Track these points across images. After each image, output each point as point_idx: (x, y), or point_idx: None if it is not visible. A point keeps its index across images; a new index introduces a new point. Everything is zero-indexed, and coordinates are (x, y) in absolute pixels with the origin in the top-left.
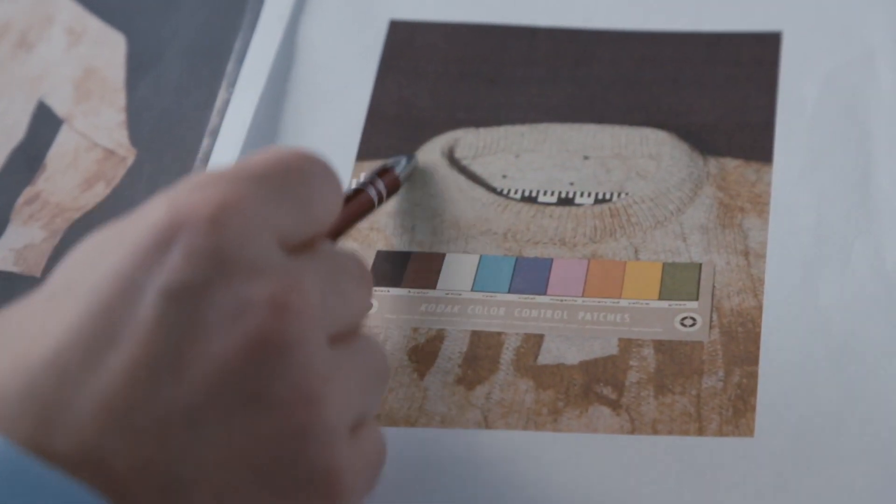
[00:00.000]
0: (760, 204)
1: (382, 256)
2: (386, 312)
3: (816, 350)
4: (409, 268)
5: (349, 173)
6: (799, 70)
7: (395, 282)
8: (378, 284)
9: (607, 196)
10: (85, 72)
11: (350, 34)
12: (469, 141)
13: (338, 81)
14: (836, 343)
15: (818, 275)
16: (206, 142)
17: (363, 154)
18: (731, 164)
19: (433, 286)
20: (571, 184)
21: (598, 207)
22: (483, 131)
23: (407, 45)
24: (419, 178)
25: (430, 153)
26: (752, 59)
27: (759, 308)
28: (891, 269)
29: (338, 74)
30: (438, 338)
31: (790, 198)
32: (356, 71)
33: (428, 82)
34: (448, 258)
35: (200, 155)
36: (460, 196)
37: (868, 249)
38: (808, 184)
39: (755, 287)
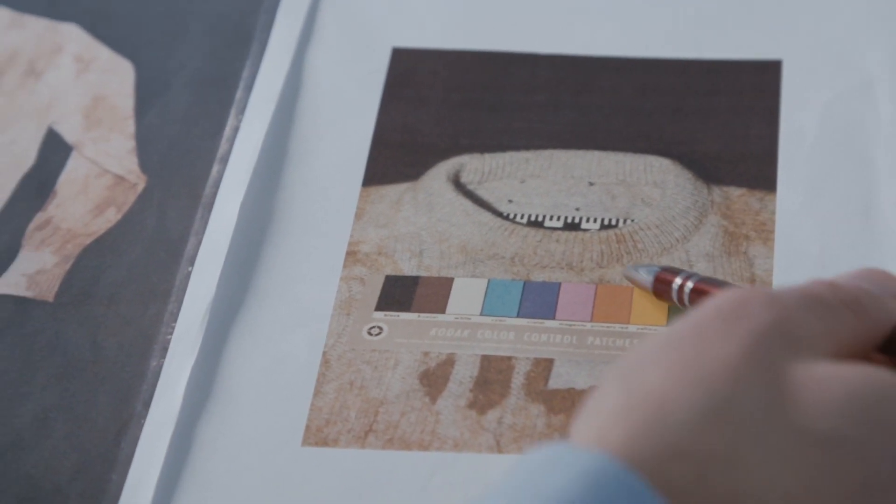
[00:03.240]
0: (765, 232)
1: (391, 281)
2: (396, 337)
3: None
4: (418, 292)
5: (356, 198)
6: (799, 98)
7: (404, 306)
8: (387, 309)
9: (613, 222)
10: (94, 100)
11: (354, 62)
12: (474, 166)
13: (343, 108)
14: None
15: None
16: (215, 168)
17: (369, 180)
18: (735, 192)
19: (443, 311)
20: (577, 209)
21: (604, 233)
22: (488, 157)
23: (410, 72)
24: (425, 202)
25: (436, 178)
26: (754, 87)
27: None
28: None
29: (343, 102)
30: (449, 362)
31: (794, 226)
32: (360, 98)
33: (431, 109)
34: (456, 283)
35: (210, 181)
36: (467, 220)
37: None
38: (812, 212)
39: None
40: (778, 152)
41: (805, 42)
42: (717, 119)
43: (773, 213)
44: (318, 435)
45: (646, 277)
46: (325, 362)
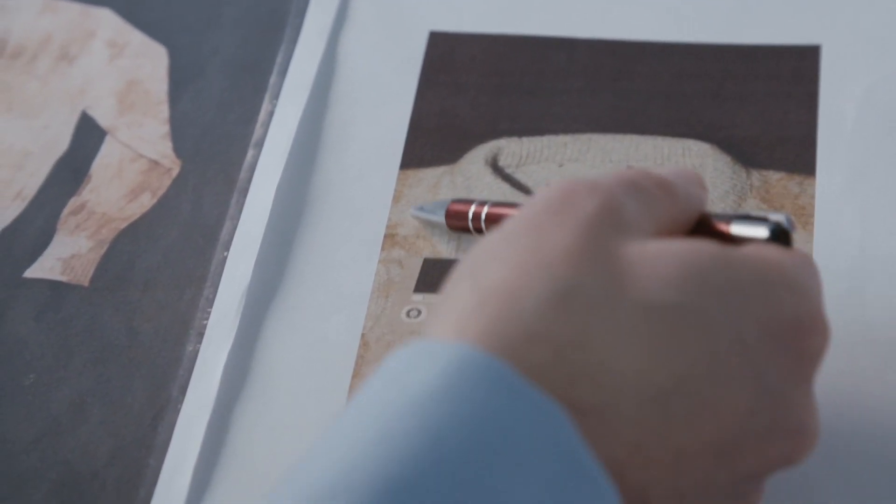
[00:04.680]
0: (805, 216)
1: (430, 264)
2: None
3: (862, 359)
4: None
5: (393, 181)
6: (839, 84)
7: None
8: (426, 291)
9: None
10: (127, 84)
11: (390, 46)
12: (512, 150)
13: (379, 92)
14: (882, 353)
15: (864, 286)
16: (250, 153)
17: (406, 163)
18: (773, 176)
19: None
20: None
21: None
22: (526, 140)
23: (447, 56)
24: (463, 186)
25: (474, 162)
26: (792, 72)
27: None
28: None
29: (379, 86)
30: None
31: (834, 210)
32: (397, 82)
33: (468, 93)
34: None
35: (245, 166)
36: None
37: None
38: (852, 196)
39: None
40: (817, 137)
41: (844, 27)
42: (755, 104)
43: (813, 197)
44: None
45: (434, 216)
46: (364, 344)
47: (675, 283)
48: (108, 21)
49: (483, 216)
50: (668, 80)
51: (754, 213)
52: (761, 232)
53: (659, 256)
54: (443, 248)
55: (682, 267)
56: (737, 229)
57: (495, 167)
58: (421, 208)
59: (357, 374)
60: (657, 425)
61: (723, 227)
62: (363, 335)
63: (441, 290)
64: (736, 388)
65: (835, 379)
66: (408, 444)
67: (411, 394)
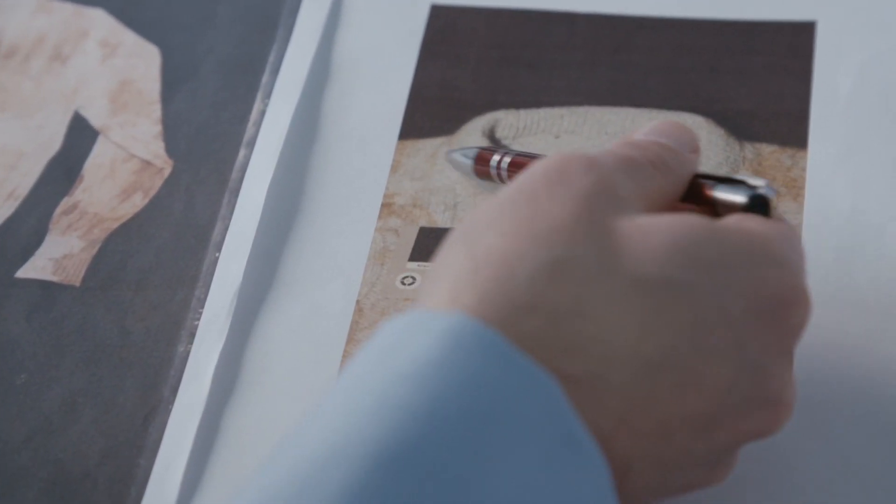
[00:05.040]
0: (796, 188)
1: (425, 233)
2: None
3: (851, 330)
4: None
5: (392, 151)
6: (833, 59)
7: None
8: (421, 259)
9: None
10: (120, 84)
11: (392, 19)
12: (509, 122)
13: (381, 64)
14: (870, 323)
15: (852, 257)
16: (242, 153)
17: (405, 134)
18: (766, 149)
19: None
20: None
21: None
22: (523, 113)
23: (448, 29)
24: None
25: (472, 133)
26: (788, 48)
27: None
28: None
29: (380, 58)
30: None
31: (825, 183)
32: (398, 54)
33: (469, 66)
34: None
35: (237, 166)
36: None
37: None
38: (843, 170)
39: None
40: (811, 111)
41: (839, 4)
42: (751, 78)
43: (804, 169)
44: None
45: (465, 161)
46: (359, 311)
47: (664, 257)
48: (101, 21)
49: (506, 164)
50: (666, 54)
51: (738, 175)
52: (741, 198)
53: (650, 231)
54: (438, 217)
55: (671, 242)
56: (719, 194)
57: (492, 138)
58: (454, 152)
59: (351, 340)
60: (644, 397)
61: (708, 192)
62: (358, 301)
63: (435, 256)
64: (719, 362)
65: (823, 349)
66: (404, 413)
67: (406, 363)
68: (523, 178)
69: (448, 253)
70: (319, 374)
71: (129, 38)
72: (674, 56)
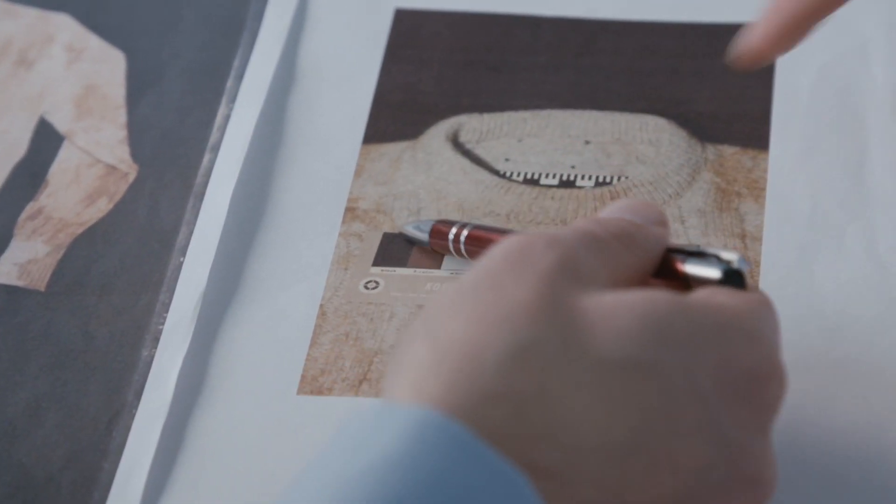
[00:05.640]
0: (757, 189)
1: (389, 238)
2: (392, 290)
3: (810, 329)
4: (415, 249)
5: (356, 156)
6: (794, 61)
7: (401, 262)
8: (385, 264)
9: (608, 179)
10: (85, 89)
11: (357, 23)
12: (473, 126)
13: (345, 69)
14: (830, 323)
15: (813, 258)
16: (207, 157)
17: (369, 138)
18: (728, 150)
19: (438, 266)
20: (573, 167)
21: (598, 190)
22: (487, 116)
23: (413, 33)
24: (424, 161)
25: (435, 137)
26: None
27: (756, 289)
28: (883, 253)
29: (345, 62)
30: None
31: (786, 184)
32: (363, 58)
33: (433, 69)
34: None
35: (202, 171)
36: (464, 179)
37: (861, 234)
38: (804, 170)
39: (751, 269)
40: (772, 112)
41: None
42: (713, 80)
43: (765, 171)
44: (313, 384)
45: (420, 233)
46: (322, 315)
47: (630, 336)
48: (66, 26)
49: (464, 238)
50: (629, 56)
51: (710, 249)
52: (714, 273)
53: (615, 309)
54: (402, 222)
55: (638, 320)
56: (690, 269)
57: (456, 143)
58: (408, 225)
59: (314, 344)
60: (615, 483)
61: (680, 267)
62: (321, 305)
63: (396, 346)
64: (693, 442)
65: (784, 350)
66: None
67: (368, 459)
68: (484, 261)
69: (410, 342)
70: (282, 379)
71: (94, 42)
72: (637, 58)
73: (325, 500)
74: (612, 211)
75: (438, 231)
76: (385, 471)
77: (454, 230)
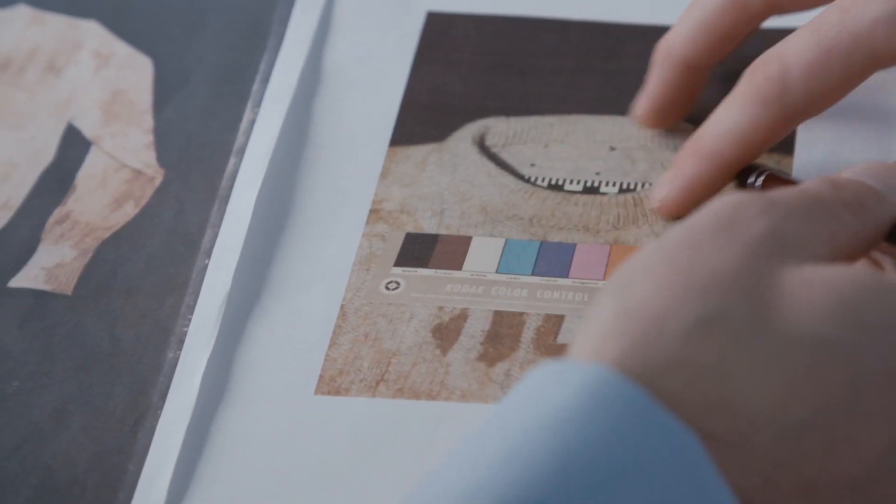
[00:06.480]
0: None
1: (411, 238)
2: (413, 291)
3: None
4: (437, 249)
5: (382, 158)
6: None
7: (422, 263)
8: (406, 265)
9: (632, 186)
10: (112, 94)
11: (386, 26)
12: (500, 129)
13: (373, 71)
14: None
15: None
16: (232, 161)
17: (396, 140)
18: None
19: (459, 268)
20: (598, 173)
21: (622, 196)
22: (514, 120)
23: (443, 36)
24: (450, 163)
25: (462, 140)
26: None
27: None
28: None
29: (373, 65)
30: (462, 316)
31: None
32: (392, 61)
33: (461, 72)
34: (475, 241)
35: (227, 174)
36: (489, 182)
37: None
38: (829, 174)
39: None
40: None
41: None
42: None
43: (790, 175)
44: (330, 384)
45: None
46: (342, 315)
47: (821, 313)
48: (94, 32)
49: (759, 183)
50: None
51: None
52: None
53: (812, 285)
54: (425, 222)
55: (832, 297)
56: None
57: (482, 146)
58: None
59: (333, 345)
60: (791, 458)
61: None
62: (342, 306)
63: (590, 304)
64: (877, 423)
65: None
66: (536, 465)
67: (542, 414)
68: (691, 221)
69: (600, 302)
70: (301, 379)
71: (121, 49)
72: None
73: (497, 454)
74: (856, 172)
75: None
76: (557, 426)
77: (752, 177)
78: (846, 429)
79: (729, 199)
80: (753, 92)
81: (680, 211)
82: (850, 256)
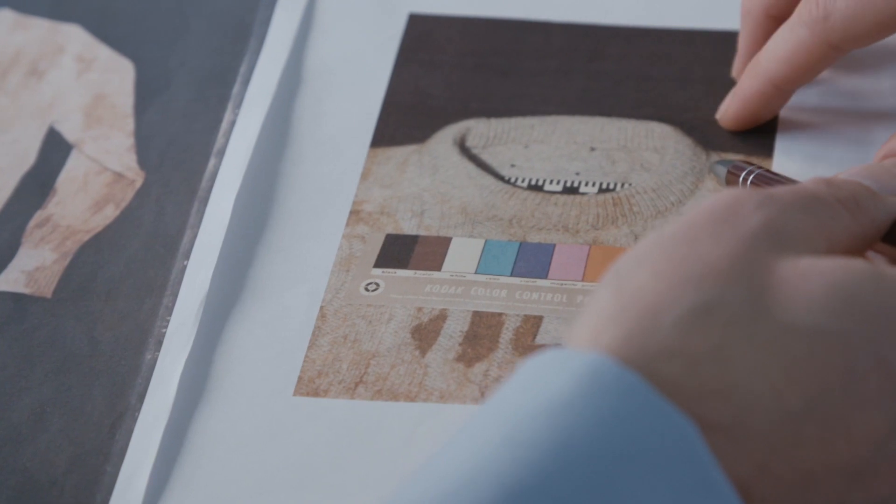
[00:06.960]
0: None
1: (391, 239)
2: (392, 293)
3: None
4: (417, 250)
5: (363, 159)
6: None
7: (402, 264)
8: (385, 266)
9: (611, 186)
10: (94, 98)
11: (368, 27)
12: (480, 130)
13: (355, 72)
14: None
15: None
16: (212, 162)
17: (377, 141)
18: (733, 159)
19: (438, 268)
20: (577, 174)
21: (601, 196)
22: (494, 122)
23: (425, 37)
24: (430, 165)
25: (442, 141)
26: None
27: None
28: None
29: (355, 66)
30: (441, 317)
31: None
32: (374, 62)
33: (443, 73)
34: (454, 242)
35: (207, 175)
36: (469, 183)
37: None
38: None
39: None
40: (777, 120)
41: None
42: (721, 88)
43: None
44: (309, 386)
45: (721, 170)
46: (322, 316)
47: (817, 303)
48: (76, 36)
49: (750, 180)
50: (637, 63)
51: None
52: None
53: (807, 275)
54: (405, 224)
55: (828, 287)
56: None
57: (462, 147)
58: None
59: (313, 346)
60: (787, 446)
61: None
62: (322, 307)
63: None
64: (873, 412)
65: None
66: (534, 450)
67: (540, 400)
68: (690, 214)
69: (599, 290)
70: (280, 381)
71: (103, 52)
72: (645, 65)
73: (495, 439)
74: (852, 173)
75: (734, 171)
76: (555, 412)
77: (744, 174)
78: (842, 417)
79: (726, 194)
80: (803, 15)
81: (737, 124)
82: (845, 253)
